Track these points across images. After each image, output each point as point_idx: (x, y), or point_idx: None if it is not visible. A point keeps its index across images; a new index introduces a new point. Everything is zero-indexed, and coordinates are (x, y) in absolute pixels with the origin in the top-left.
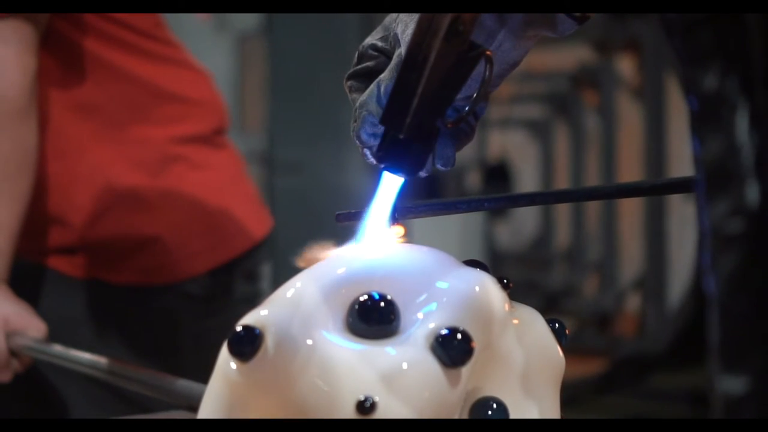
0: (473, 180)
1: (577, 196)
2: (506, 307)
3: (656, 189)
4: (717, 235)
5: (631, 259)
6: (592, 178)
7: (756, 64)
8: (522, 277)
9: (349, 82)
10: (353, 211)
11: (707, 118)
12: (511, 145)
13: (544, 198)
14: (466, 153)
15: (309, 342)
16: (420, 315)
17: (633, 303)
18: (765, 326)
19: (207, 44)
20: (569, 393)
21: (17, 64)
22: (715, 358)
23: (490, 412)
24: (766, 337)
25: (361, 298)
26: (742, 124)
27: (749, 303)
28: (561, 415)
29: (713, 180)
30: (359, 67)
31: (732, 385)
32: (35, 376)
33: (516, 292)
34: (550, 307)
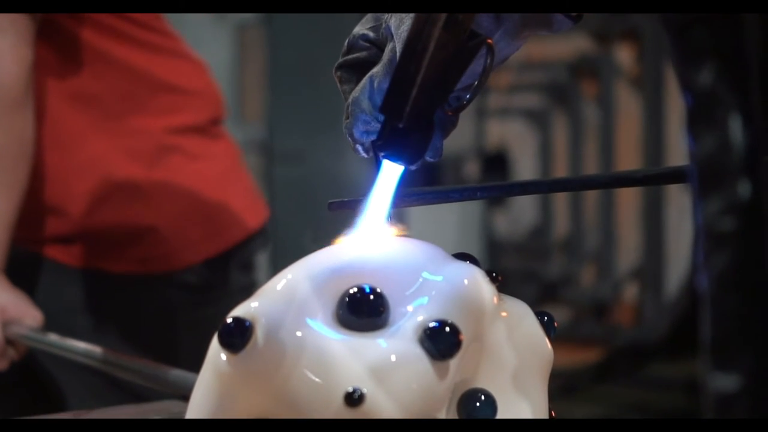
0: (471, 169)
1: (570, 185)
2: (495, 299)
3: (649, 179)
4: (709, 232)
5: (629, 249)
6: (591, 168)
7: (750, 62)
8: (520, 266)
9: (338, 73)
10: (346, 199)
11: (701, 116)
12: (510, 134)
13: (537, 187)
14: (464, 142)
15: (299, 334)
16: (409, 308)
17: (630, 292)
18: (757, 324)
19: (206, 34)
20: (566, 381)
21: (13, 55)
22: (707, 355)
23: (478, 404)
24: (758, 335)
25: (351, 291)
26: (735, 123)
27: (741, 300)
28: (550, 407)
29: (706, 177)
30: (349, 57)
31: (724, 382)
32: (32, 364)
33: (514, 281)
34: (547, 296)
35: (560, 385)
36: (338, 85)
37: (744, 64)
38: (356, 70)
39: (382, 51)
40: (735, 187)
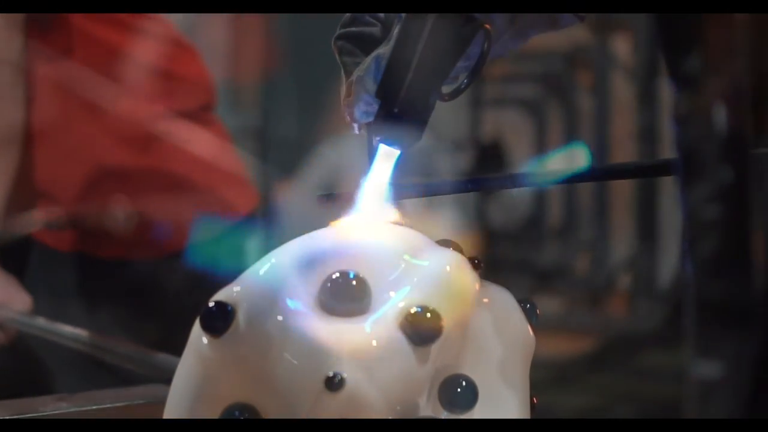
0: (467, 159)
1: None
2: (477, 286)
3: (636, 171)
4: (694, 220)
5: (623, 238)
6: (586, 159)
7: (736, 50)
8: (514, 255)
9: (339, 43)
10: (334, 192)
11: (687, 103)
12: (505, 124)
13: (525, 180)
14: (459, 132)
15: (280, 318)
16: (392, 293)
17: (624, 282)
18: (740, 311)
19: (201, 18)
20: (559, 371)
21: (2, 39)
22: (690, 342)
23: (458, 390)
24: (742, 322)
25: (334, 276)
26: (720, 110)
27: (725, 287)
28: (539, 395)
29: (691, 164)
30: (353, 29)
31: (706, 369)
32: (19, 348)
33: (508, 270)
34: (541, 285)
35: (553, 374)
36: (337, 56)
37: (732, 52)
38: (358, 42)
39: (387, 29)
40: (719, 175)
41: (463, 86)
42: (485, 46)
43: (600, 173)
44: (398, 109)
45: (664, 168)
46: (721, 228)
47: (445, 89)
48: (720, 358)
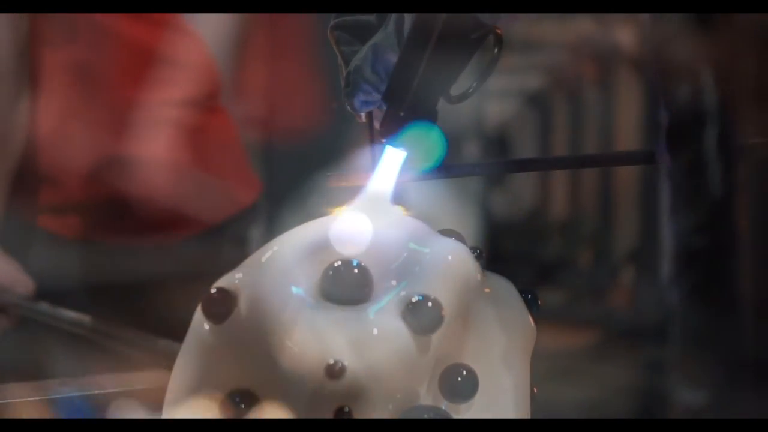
0: (470, 151)
1: (539, 165)
2: (478, 276)
3: (618, 159)
4: (681, 249)
5: (626, 232)
6: (590, 151)
7: (728, 79)
8: (517, 247)
9: (336, 33)
10: (345, 173)
11: (677, 132)
12: (510, 116)
13: (507, 167)
14: (463, 124)
15: (282, 306)
16: (393, 282)
17: (627, 275)
18: (725, 340)
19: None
20: (563, 363)
21: (8, 24)
22: (675, 370)
23: (459, 379)
24: (727, 352)
25: (336, 264)
26: (710, 141)
27: (710, 317)
28: (540, 386)
29: (680, 194)
30: (349, 18)
31: (691, 397)
32: (22, 332)
33: (510, 261)
34: (544, 278)
35: (555, 366)
36: (334, 45)
37: (723, 81)
38: (355, 31)
39: (382, 16)
40: (708, 205)
41: (471, 89)
42: (495, 50)
43: (588, 161)
44: (405, 113)
45: (643, 157)
46: (707, 257)
47: (453, 91)
48: (704, 387)
